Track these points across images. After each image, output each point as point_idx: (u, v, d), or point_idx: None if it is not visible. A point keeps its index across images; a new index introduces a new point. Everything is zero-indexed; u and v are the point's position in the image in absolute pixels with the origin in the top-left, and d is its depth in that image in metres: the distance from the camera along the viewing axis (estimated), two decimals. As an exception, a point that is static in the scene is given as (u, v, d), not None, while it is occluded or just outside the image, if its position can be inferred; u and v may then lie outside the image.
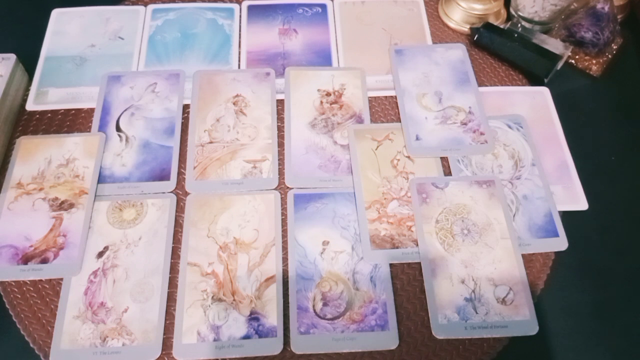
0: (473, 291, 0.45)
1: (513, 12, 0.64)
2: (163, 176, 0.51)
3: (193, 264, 0.46)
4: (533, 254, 0.48)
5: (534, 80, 0.60)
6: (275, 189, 0.51)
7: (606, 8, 0.59)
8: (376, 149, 0.53)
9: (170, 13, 0.63)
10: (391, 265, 0.47)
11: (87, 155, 0.51)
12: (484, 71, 0.61)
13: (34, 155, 0.51)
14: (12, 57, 0.55)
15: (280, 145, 0.53)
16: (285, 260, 0.47)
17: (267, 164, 0.52)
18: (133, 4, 0.64)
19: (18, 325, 0.44)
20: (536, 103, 0.57)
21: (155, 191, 0.50)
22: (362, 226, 0.48)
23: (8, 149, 0.53)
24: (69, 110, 0.55)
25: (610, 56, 0.62)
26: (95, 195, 0.49)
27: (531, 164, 0.52)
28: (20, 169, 0.51)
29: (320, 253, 0.47)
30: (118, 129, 0.54)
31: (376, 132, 0.54)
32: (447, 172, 0.52)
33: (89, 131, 0.54)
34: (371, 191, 0.50)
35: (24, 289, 0.46)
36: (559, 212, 0.50)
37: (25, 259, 0.46)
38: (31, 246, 0.46)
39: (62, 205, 0.48)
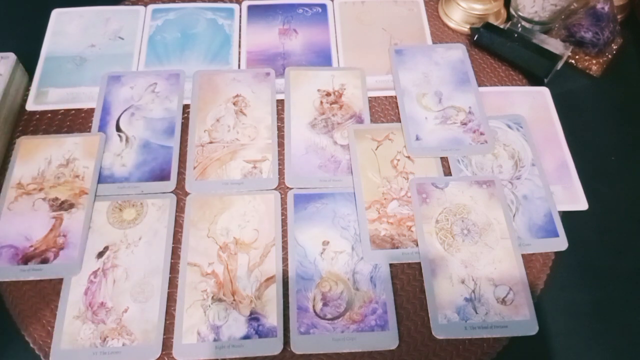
0: (473, 291, 0.45)
1: (513, 12, 0.64)
2: (163, 176, 0.51)
3: (193, 264, 0.46)
4: (533, 254, 0.48)
5: (534, 80, 0.60)
6: (275, 189, 0.51)
7: (606, 8, 0.59)
8: (376, 149, 0.53)
9: (170, 13, 0.63)
10: (391, 265, 0.47)
11: (87, 156, 0.51)
12: (484, 71, 0.61)
13: (34, 156, 0.51)
14: (11, 55, 0.55)
15: (280, 145, 0.53)
16: (285, 260, 0.47)
17: (267, 164, 0.52)
18: (133, 4, 0.64)
19: (18, 325, 0.44)
20: (536, 103, 0.57)
21: (155, 191, 0.50)
22: (362, 226, 0.48)
23: (8, 149, 0.53)
24: (69, 110, 0.55)
25: (610, 56, 0.62)
26: (95, 195, 0.49)
27: (531, 164, 0.52)
28: (21, 169, 0.51)
29: (320, 253, 0.47)
30: (118, 129, 0.54)
31: (376, 132, 0.54)
32: (447, 172, 0.52)
33: (89, 131, 0.54)
34: (371, 191, 0.50)
35: (24, 289, 0.46)
36: (559, 212, 0.50)
37: (25, 259, 0.46)
38: (31, 246, 0.46)
39: (62, 206, 0.48)
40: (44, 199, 0.49)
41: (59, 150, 0.52)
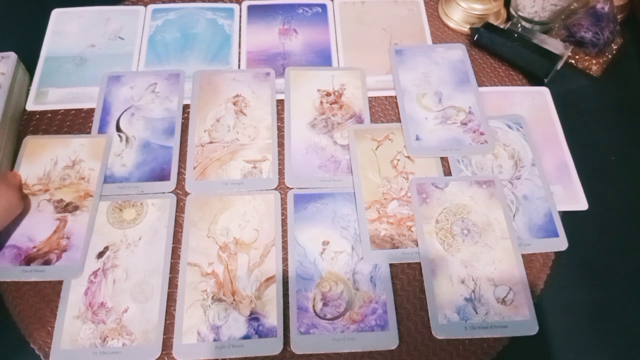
0: (473, 291, 0.45)
1: (513, 12, 0.64)
2: (163, 176, 0.51)
3: (193, 264, 0.46)
4: (533, 254, 0.48)
5: (534, 80, 0.60)
6: (275, 189, 0.51)
7: (606, 8, 0.59)
8: (376, 149, 0.53)
9: (170, 13, 0.63)
10: (391, 265, 0.47)
11: (93, 157, 0.51)
12: (484, 71, 0.61)
13: (40, 156, 0.51)
14: (12, 55, 0.55)
15: (280, 145, 0.53)
16: (285, 260, 0.47)
17: (267, 164, 0.52)
18: (133, 4, 0.64)
19: (18, 325, 0.44)
20: (536, 103, 0.57)
21: (155, 191, 0.50)
22: (362, 226, 0.48)
23: (14, 149, 0.53)
24: (69, 110, 0.55)
25: (610, 56, 0.62)
26: (100, 198, 0.49)
27: (531, 164, 0.52)
28: (27, 169, 0.51)
29: (320, 253, 0.47)
30: (118, 129, 0.54)
31: (376, 132, 0.54)
32: (447, 172, 0.52)
33: (89, 131, 0.54)
34: (371, 191, 0.50)
35: (24, 289, 0.46)
36: (559, 212, 0.50)
37: (28, 260, 0.46)
38: (34, 247, 0.46)
39: (67, 207, 0.48)
40: (48, 200, 0.49)
41: (65, 151, 0.52)
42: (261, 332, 0.43)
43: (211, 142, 0.53)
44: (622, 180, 0.54)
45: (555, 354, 0.45)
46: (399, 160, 0.52)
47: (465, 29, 0.63)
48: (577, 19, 0.61)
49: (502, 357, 0.44)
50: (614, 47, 0.62)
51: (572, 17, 0.61)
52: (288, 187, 0.51)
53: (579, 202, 0.51)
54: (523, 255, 0.47)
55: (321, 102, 0.56)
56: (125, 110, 0.55)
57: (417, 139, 0.53)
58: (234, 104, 0.56)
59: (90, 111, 0.55)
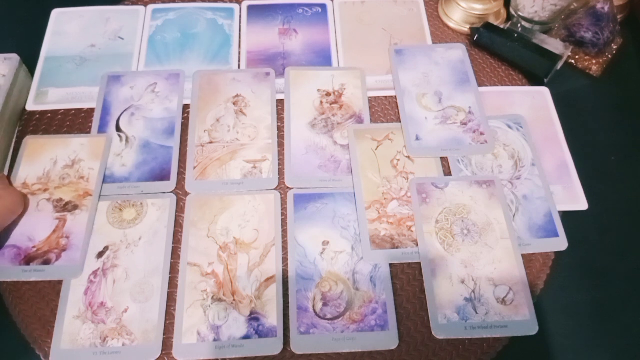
0: (473, 291, 0.45)
1: (513, 12, 0.64)
2: (163, 176, 0.51)
3: (193, 264, 0.46)
4: (533, 254, 0.48)
5: (534, 80, 0.60)
6: (275, 189, 0.51)
7: (606, 8, 0.59)
8: (376, 149, 0.53)
9: (170, 13, 0.63)
10: (391, 265, 0.47)
11: (93, 157, 0.51)
12: (484, 71, 0.61)
13: (39, 156, 0.51)
14: (15, 57, 0.55)
15: (280, 145, 0.53)
16: (285, 260, 0.47)
17: (267, 164, 0.52)
18: (133, 4, 0.64)
19: (18, 325, 0.44)
20: (536, 103, 0.57)
21: (155, 191, 0.50)
22: (362, 226, 0.48)
23: (14, 149, 0.53)
24: (69, 110, 0.56)
25: (610, 56, 0.62)
26: (100, 197, 0.49)
27: (531, 164, 0.52)
28: (26, 169, 0.51)
29: (320, 253, 0.47)
30: (118, 129, 0.54)
31: (376, 132, 0.54)
32: (447, 172, 0.52)
33: (89, 131, 0.54)
34: (371, 191, 0.50)
35: (24, 289, 0.46)
36: (559, 212, 0.50)
37: (28, 260, 0.46)
38: (34, 247, 0.46)
39: (66, 207, 0.48)
40: (48, 200, 0.49)
41: (65, 151, 0.52)
42: (261, 332, 0.43)
43: (211, 142, 0.53)
44: (622, 180, 0.54)
45: (555, 354, 0.45)
46: (399, 160, 0.52)
47: (465, 29, 0.63)
48: (577, 19, 0.61)
49: (502, 357, 0.44)
50: (614, 47, 0.63)
51: (572, 17, 0.61)
52: (288, 187, 0.51)
53: (579, 202, 0.51)
54: (523, 255, 0.47)
55: (321, 102, 0.56)
56: (125, 110, 0.55)
57: (417, 139, 0.53)
58: (234, 104, 0.56)
59: (90, 111, 0.55)
